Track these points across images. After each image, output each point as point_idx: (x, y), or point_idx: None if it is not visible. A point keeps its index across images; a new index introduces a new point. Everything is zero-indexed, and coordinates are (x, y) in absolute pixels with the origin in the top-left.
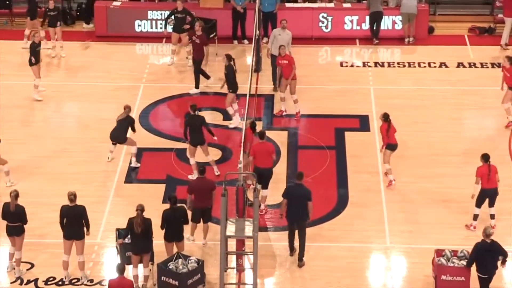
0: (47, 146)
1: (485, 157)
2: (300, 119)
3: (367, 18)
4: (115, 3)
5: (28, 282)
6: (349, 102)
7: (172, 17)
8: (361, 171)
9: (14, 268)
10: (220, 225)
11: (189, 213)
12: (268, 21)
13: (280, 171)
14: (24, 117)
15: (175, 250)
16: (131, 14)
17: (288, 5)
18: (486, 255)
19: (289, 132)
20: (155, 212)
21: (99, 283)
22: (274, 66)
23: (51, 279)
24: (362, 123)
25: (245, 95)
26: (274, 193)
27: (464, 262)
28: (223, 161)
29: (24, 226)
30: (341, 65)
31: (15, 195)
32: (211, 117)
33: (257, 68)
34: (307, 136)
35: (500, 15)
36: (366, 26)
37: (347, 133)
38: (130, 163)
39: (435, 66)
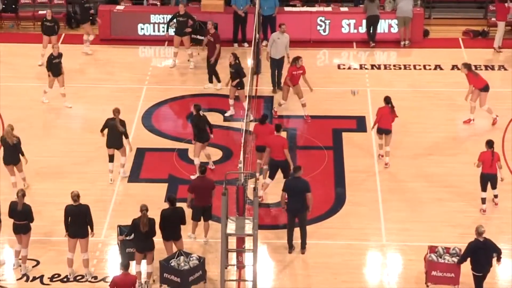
0: (52, 146)
1: (490, 143)
2: (311, 120)
3: (364, 21)
4: (118, 7)
5: (34, 279)
6: (346, 104)
7: (174, 20)
8: (358, 171)
9: (20, 265)
10: (220, 224)
11: (189, 212)
12: (268, 24)
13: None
14: (30, 118)
15: (174, 249)
16: (134, 18)
17: (287, 9)
18: (480, 253)
19: (288, 133)
20: (157, 211)
21: (103, 280)
22: (273, 68)
23: (56, 276)
24: (359, 124)
25: (245, 96)
26: (274, 191)
27: (455, 259)
28: (223, 161)
29: (31, 224)
30: (339, 67)
31: (22, 194)
32: (211, 118)
33: (256, 70)
34: (305, 136)
35: (493, 19)
36: (363, 29)
37: (344, 134)
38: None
39: (430, 68)
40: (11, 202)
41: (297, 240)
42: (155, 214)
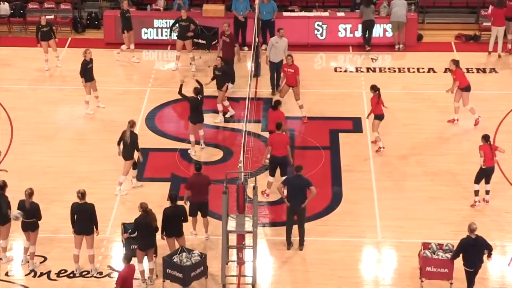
0: (59, 146)
1: (486, 138)
2: (308, 121)
3: (360, 26)
4: None
5: (41, 274)
6: (343, 105)
7: (177, 25)
8: (354, 170)
9: (28, 262)
10: (221, 221)
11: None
12: (267, 29)
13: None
14: (36, 119)
15: (176, 245)
16: (138, 22)
17: (285, 14)
18: (472, 250)
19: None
20: (160, 209)
21: (108, 275)
22: (272, 71)
23: (63, 271)
24: (355, 124)
25: (245, 98)
26: (274, 191)
27: (448, 255)
28: (224, 161)
29: (38, 222)
30: (335, 70)
31: (30, 193)
32: (211, 119)
33: (256, 73)
34: (303, 137)
35: (485, 23)
36: (358, 33)
37: (341, 134)
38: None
39: (423, 71)
40: (20, 200)
41: (295, 237)
42: (158, 212)
